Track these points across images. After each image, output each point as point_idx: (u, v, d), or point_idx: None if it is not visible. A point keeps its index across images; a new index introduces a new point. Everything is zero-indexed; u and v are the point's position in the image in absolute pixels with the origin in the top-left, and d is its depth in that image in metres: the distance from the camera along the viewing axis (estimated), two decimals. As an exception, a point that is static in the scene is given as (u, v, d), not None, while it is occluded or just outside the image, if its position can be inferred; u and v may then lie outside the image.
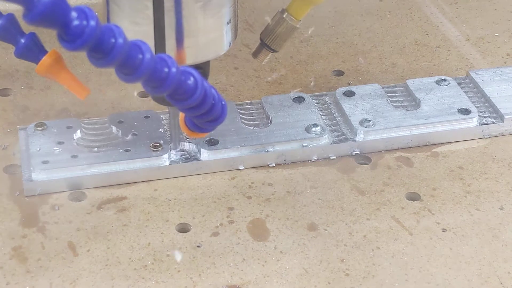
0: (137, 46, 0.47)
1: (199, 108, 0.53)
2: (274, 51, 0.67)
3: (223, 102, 0.55)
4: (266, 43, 0.67)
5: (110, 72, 0.77)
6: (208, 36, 0.59)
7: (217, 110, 0.54)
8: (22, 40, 0.59)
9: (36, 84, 0.75)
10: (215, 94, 0.53)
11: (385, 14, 0.88)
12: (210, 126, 0.56)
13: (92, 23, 0.45)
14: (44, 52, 0.59)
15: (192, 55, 0.59)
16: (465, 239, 0.61)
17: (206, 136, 0.66)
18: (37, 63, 0.58)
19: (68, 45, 0.46)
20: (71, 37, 0.45)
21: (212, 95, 0.53)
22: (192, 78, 0.51)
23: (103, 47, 0.46)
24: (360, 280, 0.57)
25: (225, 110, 0.55)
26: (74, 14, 0.45)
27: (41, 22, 0.44)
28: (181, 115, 0.58)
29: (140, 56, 0.47)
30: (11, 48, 0.79)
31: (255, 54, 0.68)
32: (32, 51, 0.59)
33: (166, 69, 0.49)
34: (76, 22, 0.45)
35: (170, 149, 0.66)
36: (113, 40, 0.46)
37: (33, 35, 0.59)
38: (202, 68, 0.61)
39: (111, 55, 0.46)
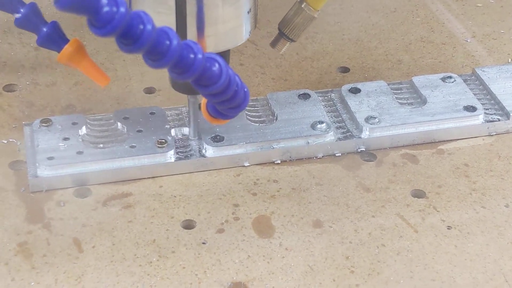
0: (164, 33, 0.48)
1: (223, 95, 0.53)
2: (292, 40, 0.68)
3: (245, 89, 0.55)
4: (284, 32, 0.68)
5: (116, 68, 0.77)
6: (228, 25, 0.59)
7: (240, 96, 0.55)
8: (44, 29, 0.59)
9: (41, 80, 0.75)
10: (238, 81, 0.54)
11: (390, 10, 0.88)
12: (232, 113, 0.57)
13: (122, 9, 0.46)
14: (66, 40, 0.59)
15: (213, 44, 0.59)
16: (471, 236, 0.61)
17: (212, 131, 0.66)
18: (59, 52, 0.59)
19: (98, 31, 0.46)
20: (101, 23, 0.46)
21: (236, 82, 0.54)
22: (217, 65, 0.51)
23: (132, 33, 0.46)
24: (365, 277, 0.57)
25: (248, 97, 0.56)
26: (104, 0, 0.45)
27: (72, 8, 0.45)
28: (203, 102, 0.58)
29: (168, 42, 0.48)
30: (16, 44, 0.80)
31: (274, 44, 0.69)
32: (53, 40, 0.59)
33: (192, 56, 0.49)
34: (106, 8, 0.45)
35: (189, 138, 0.67)
36: (141, 27, 0.47)
37: (55, 24, 0.60)
38: (223, 56, 0.61)
39: (140, 42, 0.47)
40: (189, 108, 0.66)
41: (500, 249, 0.60)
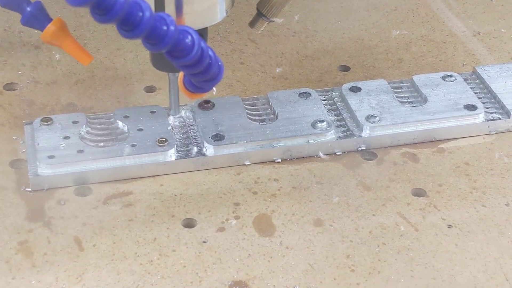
0: (137, 4, 0.49)
1: (196, 67, 0.54)
2: (270, 20, 0.69)
3: (219, 63, 0.56)
4: (263, 12, 0.68)
5: (116, 67, 0.77)
6: (205, 4, 0.60)
7: (214, 69, 0.56)
8: (28, 8, 0.61)
9: (42, 78, 0.76)
10: (212, 54, 0.55)
11: (391, 9, 0.88)
12: (207, 86, 0.58)
13: None
14: (49, 20, 0.61)
15: (190, 22, 0.60)
16: (471, 235, 0.61)
17: (212, 132, 0.66)
18: (42, 31, 0.61)
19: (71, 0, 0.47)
20: None
21: (209, 54, 0.55)
22: (189, 37, 0.52)
23: (104, 4, 0.47)
24: (365, 276, 0.57)
25: (222, 71, 0.57)
26: None
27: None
28: (180, 77, 0.59)
29: (140, 13, 0.49)
30: (17, 43, 0.80)
31: (252, 24, 0.70)
32: (37, 19, 0.61)
33: (165, 27, 0.50)
34: None
35: (169, 115, 0.68)
36: None
37: (39, 4, 0.61)
38: (201, 34, 0.62)
39: (112, 12, 0.48)
40: (169, 86, 0.67)
41: (501, 247, 0.60)
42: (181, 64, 0.54)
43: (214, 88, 0.59)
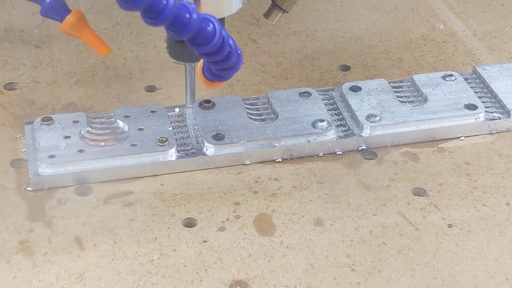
0: None
1: (217, 54, 0.55)
2: (285, 11, 0.69)
3: (239, 52, 0.57)
4: (277, 3, 0.69)
5: (116, 66, 0.77)
6: None
7: (233, 57, 0.57)
8: (48, 0, 0.62)
9: (42, 78, 0.76)
10: (232, 43, 0.56)
11: (391, 8, 0.88)
12: (227, 74, 0.58)
13: None
14: (68, 11, 0.62)
15: (208, 12, 0.60)
16: (471, 234, 0.61)
17: (213, 132, 0.66)
18: (61, 22, 0.62)
19: None
20: None
21: (229, 43, 0.56)
22: (211, 25, 0.53)
23: None
24: (366, 276, 0.57)
25: (241, 59, 0.58)
26: None
27: None
28: (199, 65, 0.59)
29: (164, 1, 0.50)
30: (18, 42, 0.80)
31: (267, 15, 0.70)
32: (56, 10, 0.62)
33: (187, 15, 0.51)
34: None
35: (187, 106, 0.69)
36: None
37: None
38: None
39: (137, 0, 0.49)
40: (186, 76, 0.67)
41: (501, 247, 0.60)
42: (202, 51, 0.54)
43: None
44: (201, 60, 0.59)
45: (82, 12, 0.62)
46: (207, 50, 0.54)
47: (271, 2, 0.69)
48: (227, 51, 0.55)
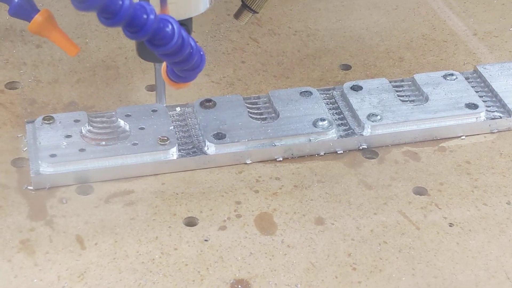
0: None
1: (178, 55, 0.55)
2: (255, 12, 0.69)
3: (201, 52, 0.57)
4: (248, 4, 0.69)
5: (117, 66, 0.77)
6: None
7: (195, 58, 0.56)
8: (16, 0, 0.61)
9: (43, 77, 0.76)
10: (193, 43, 0.56)
11: (392, 8, 0.88)
12: (190, 75, 0.58)
13: None
14: (37, 10, 0.62)
15: (175, 12, 0.61)
16: (472, 233, 0.61)
17: (213, 131, 0.66)
18: (29, 21, 0.61)
19: None
20: None
21: (190, 44, 0.55)
22: (170, 26, 0.53)
23: None
24: (367, 274, 0.58)
25: (204, 60, 0.57)
26: None
27: None
28: (163, 67, 0.59)
29: (120, 2, 0.49)
30: (18, 42, 0.80)
31: (237, 16, 0.70)
32: (25, 9, 0.62)
33: (144, 16, 0.51)
34: None
35: (156, 103, 0.69)
36: None
37: None
38: (186, 25, 0.63)
39: (91, 0, 0.48)
40: (155, 76, 0.67)
41: (502, 246, 0.60)
42: (162, 52, 0.54)
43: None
44: (165, 62, 0.58)
45: (51, 12, 0.62)
46: (166, 51, 0.54)
47: (241, 2, 0.69)
48: (187, 52, 0.55)
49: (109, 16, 0.50)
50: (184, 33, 0.54)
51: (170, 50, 0.53)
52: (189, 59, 0.55)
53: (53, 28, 0.62)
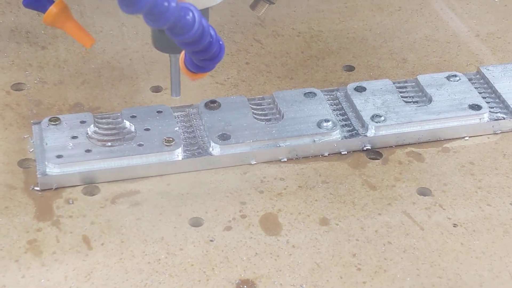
0: None
1: (197, 44, 0.54)
2: (271, 3, 0.68)
3: (220, 42, 0.57)
4: None
5: (122, 67, 0.77)
6: None
7: (214, 48, 0.56)
8: None
9: (49, 78, 0.76)
10: (213, 32, 0.55)
11: (395, 9, 0.88)
12: (209, 65, 0.58)
13: None
14: (51, 2, 0.62)
15: (192, 1, 0.60)
16: (476, 234, 0.61)
17: (218, 132, 0.67)
18: (44, 13, 0.61)
19: None
20: None
21: (210, 33, 0.55)
22: (191, 14, 0.52)
23: None
24: (371, 275, 0.58)
25: (223, 50, 0.57)
26: None
27: None
28: (181, 56, 0.59)
29: None
30: (24, 43, 0.80)
31: (253, 6, 0.70)
32: (39, 1, 0.62)
33: (166, 3, 0.50)
34: None
35: (172, 98, 0.67)
36: None
37: None
38: (203, 15, 0.62)
39: None
40: (170, 67, 0.66)
41: (506, 246, 0.60)
42: (182, 41, 0.54)
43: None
44: (183, 52, 0.58)
45: (66, 3, 0.62)
46: (186, 39, 0.53)
47: None
48: (207, 41, 0.54)
49: (131, 3, 0.49)
50: (204, 22, 0.53)
51: (190, 38, 0.53)
52: (208, 48, 0.55)
53: (68, 19, 0.62)
